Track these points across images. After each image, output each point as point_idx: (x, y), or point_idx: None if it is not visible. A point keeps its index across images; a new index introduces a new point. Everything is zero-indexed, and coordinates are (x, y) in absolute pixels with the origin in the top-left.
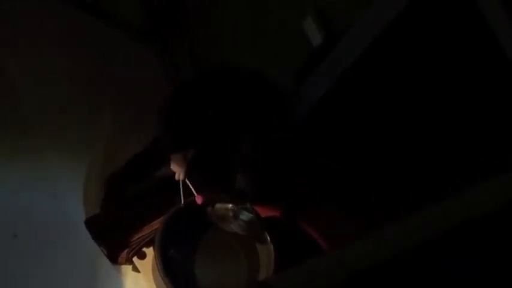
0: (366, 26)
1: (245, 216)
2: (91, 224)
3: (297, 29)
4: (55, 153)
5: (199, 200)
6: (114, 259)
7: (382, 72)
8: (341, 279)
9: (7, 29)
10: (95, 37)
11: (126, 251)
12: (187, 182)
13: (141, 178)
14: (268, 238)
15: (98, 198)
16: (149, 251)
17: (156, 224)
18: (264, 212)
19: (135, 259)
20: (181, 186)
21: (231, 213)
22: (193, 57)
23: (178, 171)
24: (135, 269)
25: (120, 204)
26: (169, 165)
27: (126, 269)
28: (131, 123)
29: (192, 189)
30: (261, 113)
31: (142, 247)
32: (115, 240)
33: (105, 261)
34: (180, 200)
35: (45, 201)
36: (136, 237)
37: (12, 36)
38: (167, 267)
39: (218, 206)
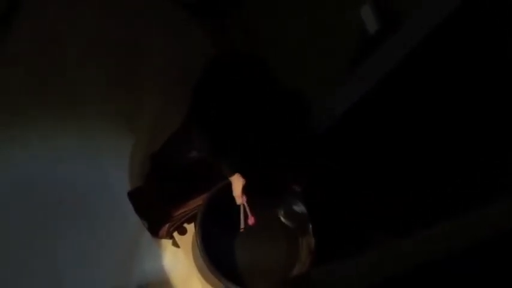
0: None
1: (296, 207)
2: (134, 196)
3: (353, 18)
4: (102, 124)
5: (251, 221)
6: (155, 233)
7: (428, 71)
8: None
9: None
10: (146, 9)
11: (167, 225)
12: (245, 204)
13: (179, 157)
14: (311, 231)
15: (142, 172)
16: (190, 227)
17: (199, 201)
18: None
19: (175, 234)
20: (241, 210)
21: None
22: (248, 40)
23: (238, 195)
24: (175, 244)
25: (163, 179)
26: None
27: (166, 243)
28: (175, 103)
29: (248, 211)
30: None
31: (183, 223)
32: (157, 214)
33: (146, 234)
34: (240, 223)
35: (90, 171)
36: (178, 213)
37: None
38: (206, 244)
39: None
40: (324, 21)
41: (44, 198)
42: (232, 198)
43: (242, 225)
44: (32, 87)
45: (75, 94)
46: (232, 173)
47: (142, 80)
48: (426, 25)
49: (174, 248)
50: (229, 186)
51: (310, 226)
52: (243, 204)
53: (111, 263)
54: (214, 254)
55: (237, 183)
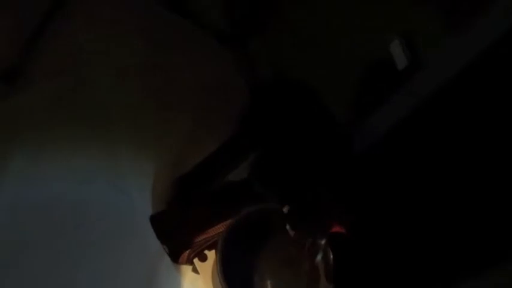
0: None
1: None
2: (156, 220)
3: (382, 52)
4: (127, 147)
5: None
6: (175, 258)
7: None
8: None
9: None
10: (176, 33)
11: (188, 251)
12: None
13: (210, 181)
14: (332, 258)
15: (166, 197)
16: (210, 254)
17: (221, 228)
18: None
19: (195, 260)
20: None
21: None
22: (273, 66)
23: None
24: (195, 270)
25: (187, 204)
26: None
27: (186, 269)
28: (206, 125)
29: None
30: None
31: (204, 249)
32: (178, 240)
33: (165, 259)
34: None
35: (111, 194)
36: (200, 239)
37: (95, 20)
38: (227, 271)
39: None
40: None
41: (62, 220)
42: (255, 227)
43: None
44: (57, 105)
45: (100, 115)
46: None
47: (171, 103)
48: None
49: (193, 275)
50: (252, 214)
51: (330, 253)
52: None
53: (129, 286)
54: (234, 282)
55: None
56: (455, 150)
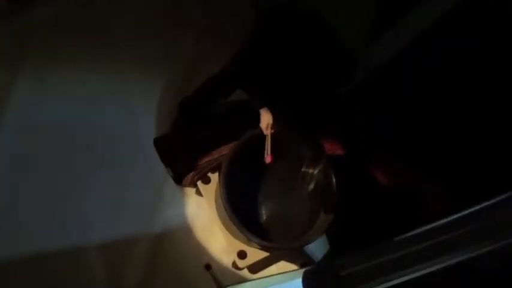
0: None
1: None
2: (160, 143)
3: None
4: (134, 67)
5: (269, 159)
6: (179, 181)
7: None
8: None
9: None
10: None
11: (191, 174)
12: (269, 138)
13: (212, 102)
14: (334, 181)
15: (171, 118)
16: (214, 177)
17: (225, 150)
18: (331, 149)
19: (199, 183)
20: (268, 141)
21: None
22: None
23: (264, 127)
24: (198, 193)
25: (190, 127)
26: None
27: (190, 191)
28: (213, 50)
29: (268, 147)
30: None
31: (207, 172)
32: (181, 162)
33: (170, 181)
34: (266, 153)
35: (119, 114)
36: (203, 162)
37: None
38: (230, 194)
39: None
40: None
41: (71, 141)
42: (259, 150)
43: (266, 158)
44: (62, 26)
45: (108, 35)
46: (262, 106)
47: (177, 23)
48: None
49: (197, 197)
50: (256, 137)
51: (333, 176)
52: (268, 137)
53: (135, 208)
54: (237, 204)
55: (266, 115)
56: (458, 76)
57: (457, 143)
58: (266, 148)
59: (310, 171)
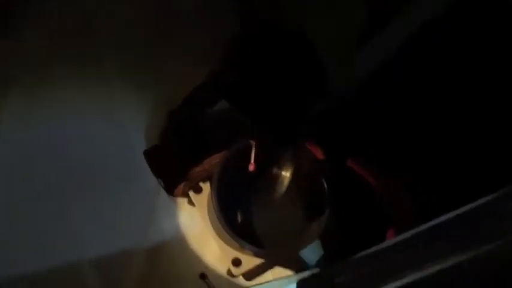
0: None
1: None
2: (150, 155)
3: None
4: (122, 81)
5: (251, 167)
6: (170, 191)
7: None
8: None
9: None
10: None
11: (183, 184)
12: (253, 146)
13: (199, 112)
14: (326, 187)
15: (160, 130)
16: (206, 186)
17: (216, 159)
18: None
19: (191, 193)
20: (252, 149)
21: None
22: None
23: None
24: (191, 203)
25: (180, 137)
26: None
27: (182, 202)
28: (203, 56)
29: (252, 155)
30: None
31: (199, 181)
32: (173, 173)
33: (162, 193)
34: (250, 161)
35: (105, 129)
36: (194, 171)
37: None
38: (222, 203)
39: None
40: None
41: (62, 160)
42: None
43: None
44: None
45: (95, 45)
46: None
47: (165, 38)
48: None
49: (189, 207)
50: (248, 145)
51: (326, 188)
52: (253, 145)
53: (127, 222)
54: (229, 213)
55: None
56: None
57: (444, 150)
58: (251, 156)
59: (283, 173)
